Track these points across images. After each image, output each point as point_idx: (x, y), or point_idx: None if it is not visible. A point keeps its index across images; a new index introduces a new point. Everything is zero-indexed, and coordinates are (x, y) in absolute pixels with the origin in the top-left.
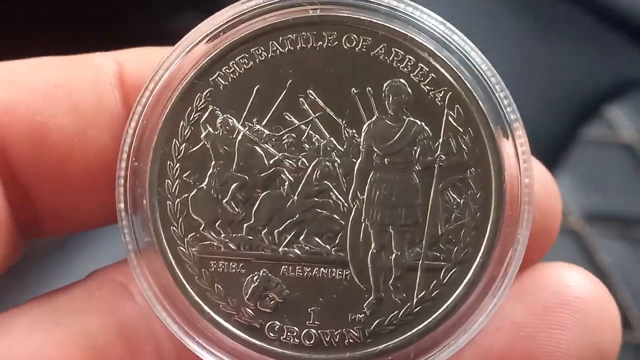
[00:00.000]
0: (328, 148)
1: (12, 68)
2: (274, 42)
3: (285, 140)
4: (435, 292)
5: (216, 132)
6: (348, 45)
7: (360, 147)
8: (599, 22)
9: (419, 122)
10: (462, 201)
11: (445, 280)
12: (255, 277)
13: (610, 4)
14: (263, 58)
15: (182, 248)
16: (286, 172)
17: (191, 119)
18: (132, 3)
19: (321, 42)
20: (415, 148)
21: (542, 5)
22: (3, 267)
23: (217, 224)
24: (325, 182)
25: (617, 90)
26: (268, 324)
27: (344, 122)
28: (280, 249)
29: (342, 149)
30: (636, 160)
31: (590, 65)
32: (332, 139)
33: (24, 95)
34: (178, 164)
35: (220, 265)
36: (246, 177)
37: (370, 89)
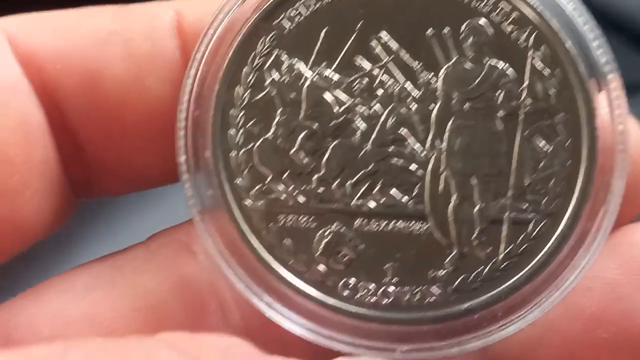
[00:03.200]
0: (403, 94)
1: (64, 16)
2: None
3: (357, 86)
4: (524, 247)
5: (282, 79)
6: None
7: (438, 92)
8: (601, 26)
9: (501, 65)
10: (550, 149)
11: (533, 234)
12: (327, 232)
13: (612, 8)
14: None
15: (248, 201)
16: (358, 120)
17: (255, 65)
18: None
19: None
20: (498, 93)
21: None
22: (54, 227)
23: (284, 175)
24: (401, 129)
25: None
26: (341, 282)
27: (419, 65)
28: (353, 202)
29: (418, 95)
30: None
31: None
32: (407, 83)
33: (77, 42)
34: (242, 113)
35: (288, 219)
36: (315, 125)
37: (447, 30)
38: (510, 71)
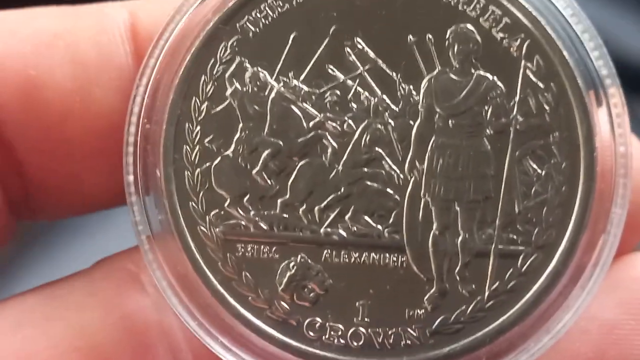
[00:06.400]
0: (380, 108)
1: (3, 17)
2: None
3: (328, 99)
4: (512, 283)
5: (244, 89)
6: None
7: (419, 106)
8: None
9: (491, 77)
10: (543, 172)
11: (523, 269)
12: (292, 264)
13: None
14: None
15: (203, 228)
16: (329, 137)
17: (214, 72)
18: None
19: None
20: (486, 108)
21: None
22: None
23: (245, 199)
24: (377, 148)
25: None
26: (307, 321)
27: (399, 76)
28: (322, 230)
29: (397, 109)
30: None
31: None
32: (384, 96)
33: (16, 45)
34: (198, 127)
35: (249, 249)
36: (280, 142)
37: (430, 36)
38: (500, 83)
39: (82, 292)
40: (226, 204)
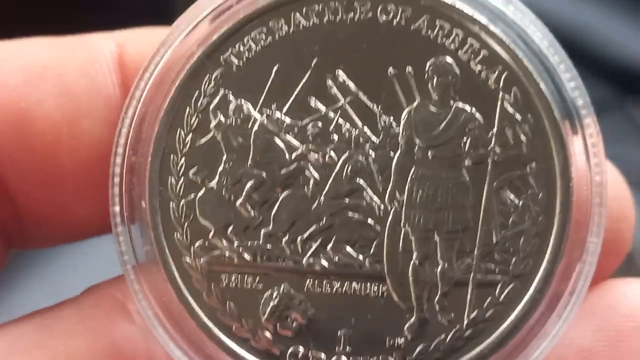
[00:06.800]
0: (361, 139)
1: None
2: (297, 14)
3: (310, 131)
4: (490, 312)
5: (228, 121)
6: (384, 17)
7: (399, 138)
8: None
9: (469, 109)
10: (520, 202)
11: (501, 298)
12: (275, 294)
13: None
14: (284, 33)
15: (187, 259)
16: (311, 168)
17: (199, 105)
18: None
19: (352, 14)
20: (465, 139)
21: None
22: None
23: (229, 230)
24: (358, 179)
25: None
26: (290, 351)
27: (379, 108)
28: (304, 260)
29: (378, 141)
30: None
31: None
32: (365, 128)
33: (5, 77)
34: (183, 159)
35: (232, 279)
36: (264, 174)
37: (410, 69)
38: (478, 115)
39: (71, 320)
40: (210, 235)
